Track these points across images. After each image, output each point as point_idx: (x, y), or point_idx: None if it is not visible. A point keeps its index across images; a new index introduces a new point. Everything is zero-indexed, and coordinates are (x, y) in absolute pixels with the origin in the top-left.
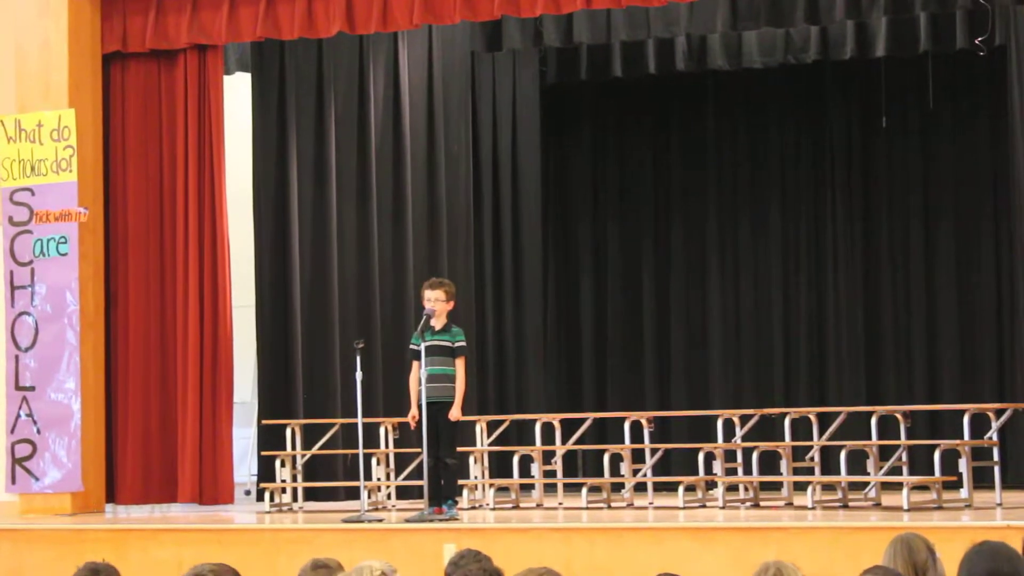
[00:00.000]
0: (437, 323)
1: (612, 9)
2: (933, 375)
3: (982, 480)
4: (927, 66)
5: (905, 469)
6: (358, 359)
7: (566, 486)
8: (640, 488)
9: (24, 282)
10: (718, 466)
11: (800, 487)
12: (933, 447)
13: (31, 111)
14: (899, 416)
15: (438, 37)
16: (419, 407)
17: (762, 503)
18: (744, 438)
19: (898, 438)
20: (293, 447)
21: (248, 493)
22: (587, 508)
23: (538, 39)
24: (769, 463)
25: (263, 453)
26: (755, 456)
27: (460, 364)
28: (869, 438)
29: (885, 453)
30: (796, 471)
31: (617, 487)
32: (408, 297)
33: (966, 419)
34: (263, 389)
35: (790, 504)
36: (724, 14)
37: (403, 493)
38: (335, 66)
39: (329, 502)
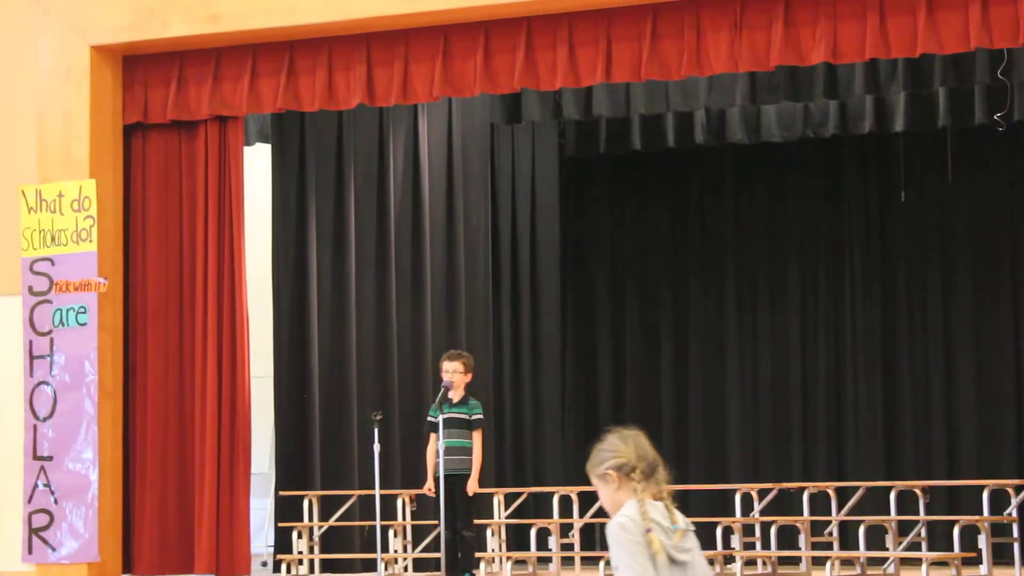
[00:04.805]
0: (455, 395)
1: (631, 83)
2: (952, 449)
3: (1001, 556)
4: (946, 141)
5: (924, 545)
6: (376, 431)
7: (584, 559)
8: None
9: (43, 351)
10: (736, 540)
11: (819, 562)
12: (952, 523)
13: (52, 181)
14: (918, 491)
15: (458, 109)
16: (435, 479)
17: None
18: (762, 512)
19: (917, 513)
20: (310, 518)
21: (265, 564)
22: None
23: (557, 112)
24: (787, 537)
25: (280, 524)
26: (773, 530)
27: (477, 437)
28: (888, 513)
29: (904, 528)
30: (815, 546)
31: None
32: (426, 368)
33: (985, 495)
34: (280, 460)
35: None
36: (743, 88)
37: (420, 566)
38: (355, 137)
39: (346, 574)
